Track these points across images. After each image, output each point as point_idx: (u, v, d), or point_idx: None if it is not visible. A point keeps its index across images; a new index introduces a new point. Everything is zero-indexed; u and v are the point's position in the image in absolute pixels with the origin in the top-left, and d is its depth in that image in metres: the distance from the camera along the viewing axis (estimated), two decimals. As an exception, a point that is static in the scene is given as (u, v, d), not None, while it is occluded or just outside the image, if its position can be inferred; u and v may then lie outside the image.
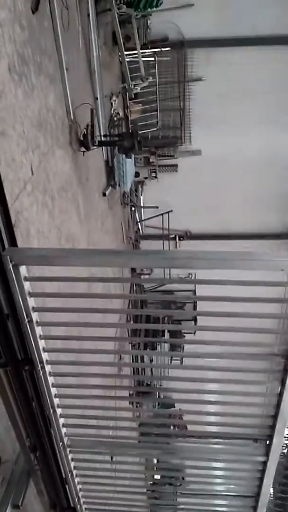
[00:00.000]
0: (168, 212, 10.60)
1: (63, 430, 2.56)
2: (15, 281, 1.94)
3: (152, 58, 9.21)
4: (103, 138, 6.64)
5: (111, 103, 8.12)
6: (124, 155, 6.94)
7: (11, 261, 1.89)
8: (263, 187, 10.56)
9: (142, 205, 10.89)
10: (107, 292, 6.88)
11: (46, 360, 2.27)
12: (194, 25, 9.20)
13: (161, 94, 9.63)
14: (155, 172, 10.57)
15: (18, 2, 3.88)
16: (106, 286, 6.23)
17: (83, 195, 6.18)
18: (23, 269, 1.95)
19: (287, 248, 11.14)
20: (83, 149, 5.74)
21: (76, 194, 5.86)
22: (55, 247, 4.88)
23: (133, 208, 10.49)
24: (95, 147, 6.00)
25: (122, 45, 7.62)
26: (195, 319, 9.67)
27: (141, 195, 10.86)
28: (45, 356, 2.25)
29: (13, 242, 2.03)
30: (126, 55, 8.00)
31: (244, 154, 10.35)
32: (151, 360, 9.50)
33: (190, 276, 10.19)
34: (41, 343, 2.21)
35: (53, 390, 2.39)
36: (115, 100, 8.21)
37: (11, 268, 1.91)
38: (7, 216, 2.00)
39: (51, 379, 2.34)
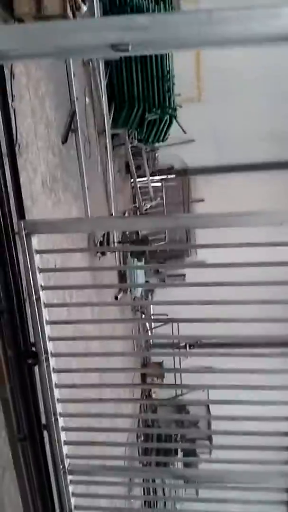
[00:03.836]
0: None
1: (64, 449, 2.11)
2: (26, 252, 1.79)
3: (160, 184, 10.58)
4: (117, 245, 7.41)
5: (124, 219, 9.13)
6: (136, 259, 7.65)
7: (24, 229, 1.76)
8: (268, 297, 11.04)
9: (151, 312, 11.32)
10: (117, 396, 6.96)
11: (51, 352, 1.93)
12: (196, 156, 10.72)
13: (168, 212, 10.77)
14: (164, 281, 11.24)
15: (52, 135, 4.89)
16: (116, 391, 6.33)
17: (97, 296, 6.70)
18: (35, 240, 1.82)
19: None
20: (99, 254, 6.43)
21: (91, 295, 6.38)
22: (71, 345, 5.19)
23: (143, 315, 10.91)
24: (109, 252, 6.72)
25: (134, 173, 8.89)
26: (210, 438, 9.27)
27: (151, 303, 11.38)
28: (50, 346, 1.92)
29: (22, 216, 1.97)
30: (137, 181, 9.28)
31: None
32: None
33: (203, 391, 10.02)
34: (47, 330, 1.90)
35: (56, 393, 1.99)
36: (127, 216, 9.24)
37: (24, 237, 1.76)
38: (18, 192, 1.95)
39: (54, 377, 1.98)
